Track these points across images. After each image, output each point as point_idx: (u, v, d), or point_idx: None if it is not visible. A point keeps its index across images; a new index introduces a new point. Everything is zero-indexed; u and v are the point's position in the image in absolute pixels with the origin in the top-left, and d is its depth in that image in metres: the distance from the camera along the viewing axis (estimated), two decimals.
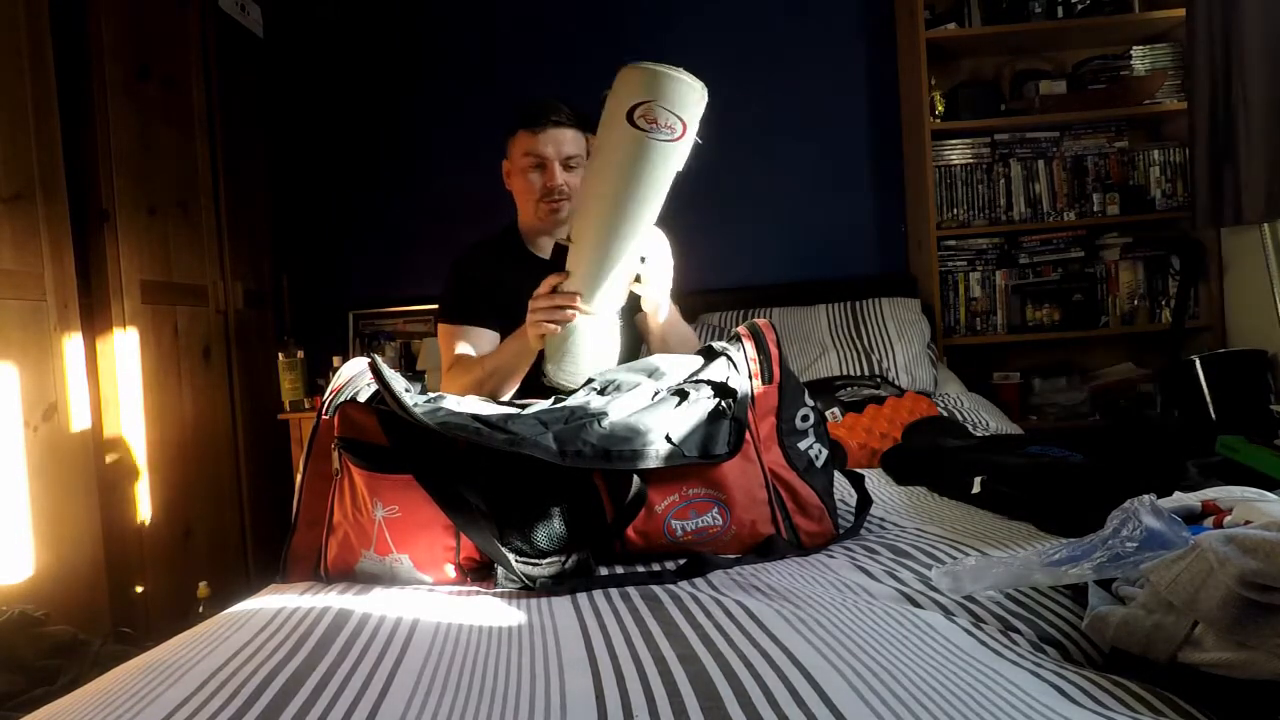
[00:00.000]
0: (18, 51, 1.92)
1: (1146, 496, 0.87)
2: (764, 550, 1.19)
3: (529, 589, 1.07)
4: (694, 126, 1.35)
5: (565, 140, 1.81)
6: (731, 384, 1.25)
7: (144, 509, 2.30)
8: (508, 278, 1.82)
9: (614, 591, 1.05)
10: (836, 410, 2.16)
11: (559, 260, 1.85)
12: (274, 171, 3.20)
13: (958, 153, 3.06)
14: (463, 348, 1.83)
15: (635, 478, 1.13)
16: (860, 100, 3.19)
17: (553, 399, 1.29)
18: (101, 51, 2.21)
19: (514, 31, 3.20)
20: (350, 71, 3.24)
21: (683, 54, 3.17)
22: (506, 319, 1.79)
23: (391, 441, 1.14)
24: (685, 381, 1.27)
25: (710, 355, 1.31)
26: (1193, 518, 0.93)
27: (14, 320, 1.86)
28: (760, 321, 1.35)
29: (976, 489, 1.39)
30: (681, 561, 1.14)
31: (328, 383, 1.35)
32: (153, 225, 2.41)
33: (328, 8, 3.24)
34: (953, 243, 3.06)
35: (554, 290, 1.51)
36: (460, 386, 1.72)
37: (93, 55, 2.19)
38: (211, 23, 2.76)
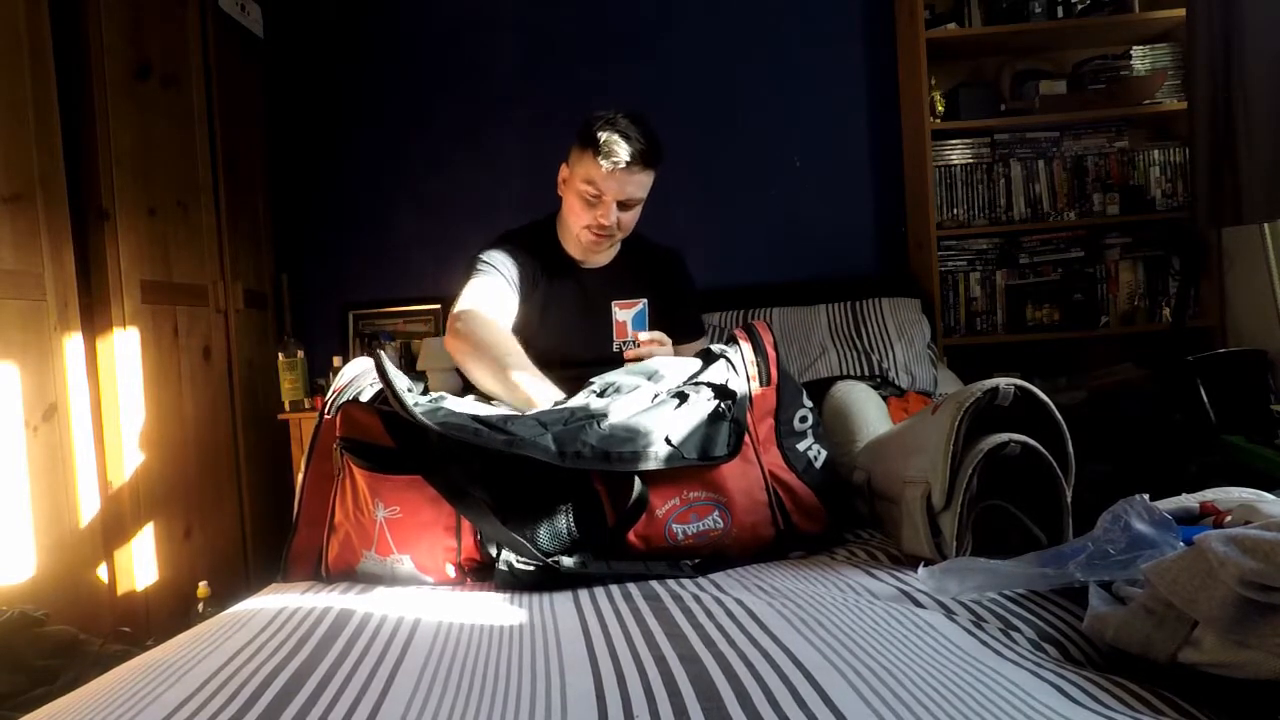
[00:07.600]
0: (17, 51, 1.91)
1: (1137, 497, 0.87)
2: (765, 551, 1.19)
3: (530, 587, 1.07)
4: None
5: (633, 184, 1.70)
6: (730, 386, 1.25)
7: (144, 509, 2.29)
8: (539, 274, 1.80)
9: (615, 592, 1.05)
10: None
11: (591, 271, 1.84)
12: (274, 171, 3.19)
13: (958, 153, 3.06)
14: (489, 297, 1.65)
15: (636, 481, 1.13)
16: (860, 100, 3.18)
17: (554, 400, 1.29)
18: (101, 51, 2.20)
19: (515, 32, 3.20)
20: (350, 71, 3.24)
21: (682, 53, 3.19)
22: (528, 307, 1.76)
23: (397, 442, 1.14)
24: (685, 384, 1.27)
25: (709, 358, 1.31)
26: (1191, 519, 0.93)
27: (14, 320, 1.86)
28: (757, 323, 1.35)
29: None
30: (688, 562, 1.14)
31: (328, 383, 1.35)
32: (153, 225, 2.41)
33: (328, 8, 3.24)
34: (953, 243, 3.06)
35: None
36: (469, 345, 1.54)
37: (92, 54, 2.18)
38: (211, 22, 2.76)
